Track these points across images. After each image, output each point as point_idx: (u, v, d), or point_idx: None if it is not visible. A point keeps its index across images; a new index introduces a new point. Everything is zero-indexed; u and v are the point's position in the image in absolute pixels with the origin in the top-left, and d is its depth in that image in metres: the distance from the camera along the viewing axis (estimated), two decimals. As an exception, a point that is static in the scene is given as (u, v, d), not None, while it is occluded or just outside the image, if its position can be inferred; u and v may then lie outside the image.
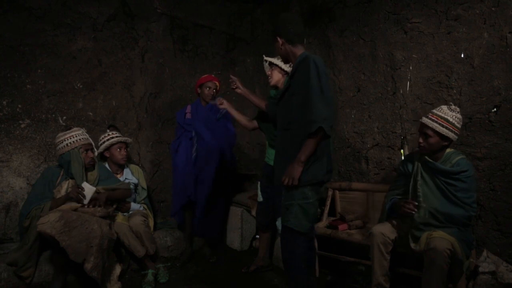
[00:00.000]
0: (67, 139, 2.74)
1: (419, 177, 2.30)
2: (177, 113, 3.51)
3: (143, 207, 3.27)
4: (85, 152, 2.77)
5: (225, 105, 2.89)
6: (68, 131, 2.79)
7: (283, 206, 2.13)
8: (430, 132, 2.22)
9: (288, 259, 2.17)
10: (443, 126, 2.18)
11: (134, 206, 3.17)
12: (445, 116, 2.20)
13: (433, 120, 2.22)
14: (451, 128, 2.18)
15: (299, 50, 2.21)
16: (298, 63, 2.14)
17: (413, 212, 2.23)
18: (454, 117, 2.20)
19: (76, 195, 2.60)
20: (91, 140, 2.86)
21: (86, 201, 2.62)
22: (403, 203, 2.28)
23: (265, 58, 2.92)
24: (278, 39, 2.21)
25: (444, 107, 2.25)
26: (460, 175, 2.20)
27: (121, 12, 3.64)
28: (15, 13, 3.05)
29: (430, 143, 2.23)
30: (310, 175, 2.05)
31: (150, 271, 2.88)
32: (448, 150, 2.32)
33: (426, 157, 2.29)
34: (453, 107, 2.24)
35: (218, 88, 3.42)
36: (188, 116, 3.41)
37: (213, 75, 3.44)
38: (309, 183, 2.05)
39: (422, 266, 2.16)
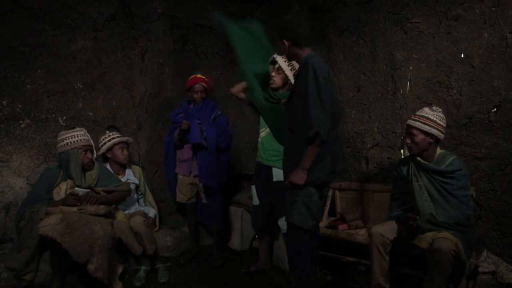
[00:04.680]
0: (68, 138, 2.75)
1: (414, 180, 2.35)
2: (172, 113, 3.58)
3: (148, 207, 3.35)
4: (84, 152, 2.77)
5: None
6: (70, 131, 2.80)
7: (288, 202, 2.16)
8: (414, 131, 2.32)
9: (293, 258, 2.18)
10: (424, 123, 2.31)
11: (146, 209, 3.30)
12: (426, 115, 2.33)
13: (415, 120, 2.35)
14: (432, 124, 2.30)
15: (305, 53, 2.18)
16: (300, 67, 2.17)
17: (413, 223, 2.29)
18: (435, 115, 2.33)
19: (72, 202, 2.59)
20: (91, 142, 2.86)
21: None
22: (408, 220, 2.32)
23: (276, 59, 2.74)
24: (284, 41, 2.16)
25: (426, 108, 2.39)
26: (455, 174, 2.26)
27: (121, 12, 3.64)
28: (15, 13, 3.05)
29: (416, 141, 2.33)
30: (314, 177, 2.08)
31: (142, 268, 2.92)
32: (440, 151, 2.38)
33: (418, 158, 2.35)
34: (434, 107, 2.38)
35: (208, 87, 3.41)
36: (181, 115, 3.44)
37: (199, 75, 3.40)
38: (312, 184, 2.09)
39: (422, 266, 2.16)
